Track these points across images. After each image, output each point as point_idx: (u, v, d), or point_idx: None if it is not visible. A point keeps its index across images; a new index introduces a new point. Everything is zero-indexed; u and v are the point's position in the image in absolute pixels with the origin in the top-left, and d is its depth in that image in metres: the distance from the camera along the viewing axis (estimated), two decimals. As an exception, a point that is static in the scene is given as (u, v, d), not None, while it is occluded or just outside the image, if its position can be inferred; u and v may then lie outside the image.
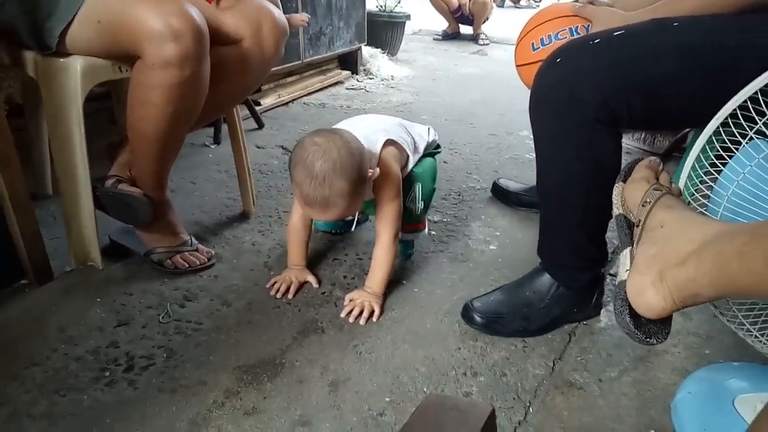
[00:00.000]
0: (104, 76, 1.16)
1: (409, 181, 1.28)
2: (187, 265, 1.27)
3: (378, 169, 1.13)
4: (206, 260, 1.30)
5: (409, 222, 1.31)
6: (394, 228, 1.19)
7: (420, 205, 1.31)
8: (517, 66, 1.32)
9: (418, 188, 1.30)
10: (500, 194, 1.72)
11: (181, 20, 1.00)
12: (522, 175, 1.91)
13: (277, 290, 1.22)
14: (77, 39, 1.08)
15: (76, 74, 1.12)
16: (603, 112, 0.94)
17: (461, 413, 0.36)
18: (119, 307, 1.16)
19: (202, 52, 1.06)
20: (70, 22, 1.06)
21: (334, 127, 1.19)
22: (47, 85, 1.16)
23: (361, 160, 1.06)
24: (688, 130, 1.81)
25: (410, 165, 1.28)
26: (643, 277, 0.68)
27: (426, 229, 1.39)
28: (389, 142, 1.21)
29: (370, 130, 1.20)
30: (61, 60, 1.12)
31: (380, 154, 1.17)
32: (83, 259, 1.27)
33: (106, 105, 1.93)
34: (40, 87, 1.18)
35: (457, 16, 4.90)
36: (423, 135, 1.36)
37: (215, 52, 1.12)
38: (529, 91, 1.06)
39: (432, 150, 1.41)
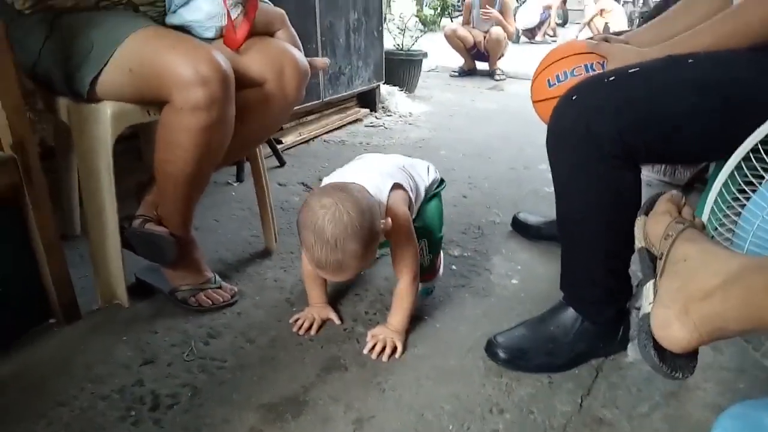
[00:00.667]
0: (134, 120, 1.20)
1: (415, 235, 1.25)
2: (210, 303, 1.28)
3: (389, 220, 1.09)
4: (229, 297, 1.31)
5: (422, 273, 1.28)
6: (413, 269, 1.18)
7: (429, 257, 1.30)
8: (534, 102, 1.34)
9: (425, 244, 1.28)
10: (520, 228, 1.72)
11: (209, 67, 1.04)
12: (542, 208, 1.91)
13: (300, 327, 1.23)
14: (108, 86, 1.13)
15: (106, 119, 1.16)
16: (619, 148, 0.94)
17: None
18: (145, 345, 1.17)
19: (228, 96, 1.09)
20: (102, 71, 1.11)
21: (338, 179, 1.15)
22: (79, 130, 1.21)
23: (372, 217, 1.02)
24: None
25: (414, 210, 1.25)
26: (668, 310, 0.68)
27: (440, 272, 1.37)
28: (395, 186, 1.18)
29: (375, 176, 1.17)
30: (93, 105, 1.17)
31: (388, 200, 1.14)
32: (110, 298, 1.29)
33: (133, 144, 1.99)
34: (72, 131, 1.23)
35: (473, 52, 4.98)
36: (423, 177, 1.31)
37: (240, 95, 1.16)
38: (545, 126, 1.07)
39: (435, 190, 1.36)
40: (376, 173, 1.19)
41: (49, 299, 1.20)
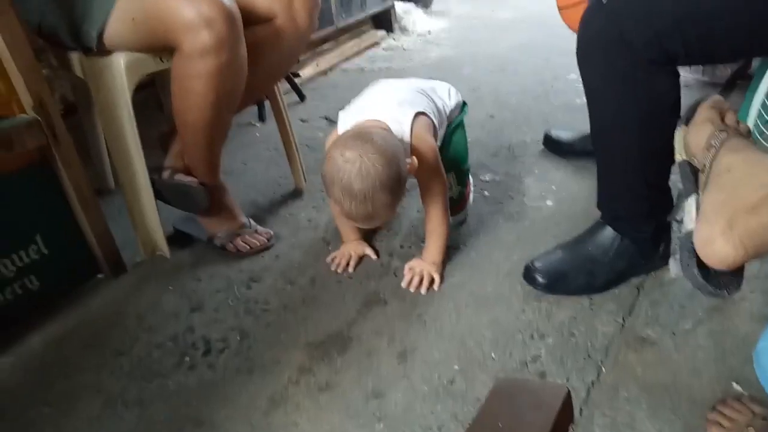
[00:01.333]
0: (148, 69, 1.18)
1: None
2: (248, 247, 1.30)
3: (414, 159, 1.06)
4: (266, 241, 1.33)
5: (452, 206, 1.26)
6: (443, 201, 1.16)
7: (458, 189, 1.28)
8: (560, 9, 1.26)
9: (452, 177, 1.25)
10: (553, 145, 1.67)
11: (212, 7, 1.00)
12: (574, 122, 1.83)
13: (338, 264, 1.24)
14: (115, 37, 1.10)
15: (120, 70, 1.14)
16: (656, 52, 0.88)
17: (535, 397, 0.36)
18: (191, 293, 1.21)
19: (237, 36, 1.05)
20: (106, 22, 1.07)
21: (356, 114, 1.13)
22: (95, 84, 1.19)
23: (398, 164, 0.99)
24: (752, 57, 1.68)
25: (439, 136, 1.20)
26: (712, 226, 0.65)
27: (471, 200, 1.35)
28: (417, 115, 1.13)
29: (394, 108, 1.12)
30: (105, 58, 1.14)
31: (411, 133, 1.10)
32: (152, 249, 1.32)
33: (152, 93, 1.97)
34: (89, 85, 1.22)
35: (491, -44, 4.67)
36: (445, 99, 1.25)
37: (249, 33, 1.12)
38: (573, 33, 1.01)
39: (458, 116, 1.30)
40: (394, 103, 1.14)
41: (94, 255, 1.24)
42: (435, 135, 1.18)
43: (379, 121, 1.10)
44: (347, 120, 1.14)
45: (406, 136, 1.10)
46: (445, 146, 1.26)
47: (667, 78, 0.94)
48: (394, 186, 0.99)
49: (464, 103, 1.33)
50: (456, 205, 1.31)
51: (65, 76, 1.64)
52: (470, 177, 1.39)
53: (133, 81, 1.16)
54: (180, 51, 1.04)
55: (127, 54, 1.14)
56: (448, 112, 1.25)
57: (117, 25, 1.08)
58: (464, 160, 1.30)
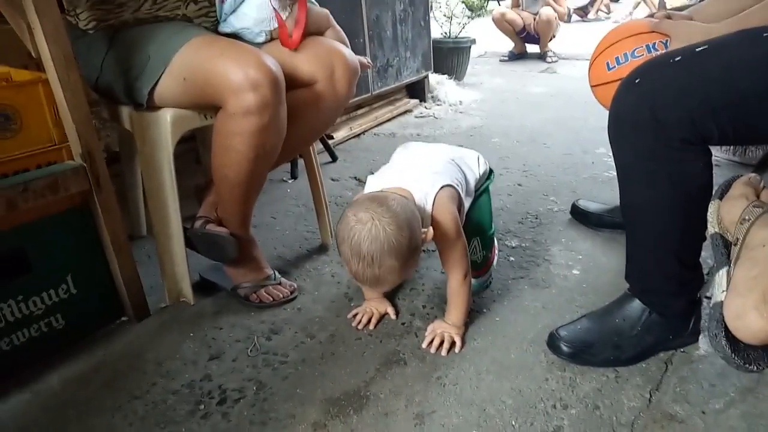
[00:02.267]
0: (191, 125, 1.24)
1: (466, 235, 1.21)
2: (271, 299, 1.31)
3: (431, 229, 1.06)
4: (289, 293, 1.34)
5: (476, 269, 1.28)
6: (464, 267, 1.15)
7: (482, 253, 1.28)
8: (593, 87, 1.29)
9: (477, 242, 1.26)
10: (580, 216, 1.67)
11: (259, 71, 1.06)
12: (602, 194, 1.85)
13: (359, 321, 1.24)
14: (165, 95, 1.17)
15: (166, 125, 1.20)
16: (689, 132, 0.89)
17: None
18: (210, 341, 1.21)
19: (279, 99, 1.11)
20: (158, 81, 1.15)
21: (384, 180, 1.15)
22: (141, 136, 1.26)
23: (411, 232, 0.99)
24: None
25: (465, 208, 1.21)
26: (744, 299, 0.64)
27: (495, 262, 1.35)
28: (443, 188, 1.13)
29: (421, 178, 1.13)
30: (153, 113, 1.21)
31: (434, 204, 1.11)
32: (176, 296, 1.35)
33: (191, 147, 2.06)
34: (135, 137, 1.28)
35: (523, 35, 4.86)
36: (473, 168, 1.27)
37: (291, 96, 1.18)
38: (603, 108, 1.03)
39: (484, 183, 1.32)
40: (423, 173, 1.15)
41: (120, 298, 1.27)
42: (460, 205, 1.18)
43: (404, 189, 1.11)
44: (374, 184, 1.17)
45: (428, 207, 1.11)
46: (471, 210, 1.27)
47: (699, 157, 0.94)
48: (404, 252, 0.98)
49: (491, 171, 1.36)
50: (479, 268, 1.31)
51: (113, 128, 1.74)
52: (495, 242, 1.39)
53: (177, 135, 1.22)
54: (225, 109, 1.10)
55: (173, 110, 1.21)
56: (475, 180, 1.27)
57: (168, 83, 1.15)
58: (489, 226, 1.31)
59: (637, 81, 0.94)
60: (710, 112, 0.87)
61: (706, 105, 0.87)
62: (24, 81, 1.09)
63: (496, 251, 1.40)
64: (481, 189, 1.31)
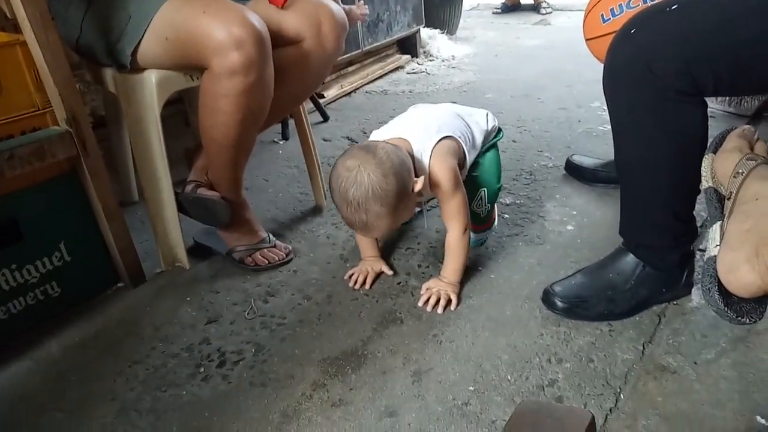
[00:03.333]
0: (178, 86, 1.21)
1: (472, 185, 1.24)
2: (266, 262, 1.31)
3: (422, 179, 1.08)
4: (284, 256, 1.34)
5: (478, 223, 1.29)
6: (463, 220, 1.16)
7: (487, 207, 1.28)
8: (587, 40, 1.26)
9: (484, 193, 1.26)
10: (574, 171, 1.66)
11: (242, 28, 1.02)
12: (596, 149, 1.83)
13: (355, 281, 1.24)
14: (148, 56, 1.13)
15: (151, 87, 1.17)
16: (685, 83, 0.88)
17: (558, 421, 0.35)
18: (208, 305, 1.21)
19: (265, 57, 1.08)
20: (140, 42, 1.11)
21: (386, 133, 1.16)
22: (126, 99, 1.23)
23: (398, 178, 1.02)
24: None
25: (468, 162, 1.21)
26: (736, 253, 0.64)
27: (495, 222, 1.35)
28: (443, 139, 1.14)
29: (422, 131, 1.15)
30: (137, 75, 1.18)
31: (432, 151, 1.12)
32: (171, 261, 1.34)
33: (179, 109, 2.02)
34: (120, 100, 1.25)
35: (516, -14, 4.72)
36: (481, 124, 1.28)
37: (277, 54, 1.14)
38: (598, 62, 1.01)
39: (492, 139, 1.33)
40: (424, 125, 1.17)
41: (115, 264, 1.26)
42: (462, 157, 1.19)
43: (403, 139, 1.13)
44: (377, 135, 1.19)
45: (426, 157, 1.12)
46: (478, 163, 1.28)
47: (695, 109, 0.93)
48: (390, 199, 1.02)
49: (499, 129, 1.36)
50: (482, 223, 1.31)
51: (97, 91, 1.70)
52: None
53: (163, 97, 1.19)
54: (210, 70, 1.07)
55: (158, 71, 1.17)
56: (483, 134, 1.28)
57: (150, 44, 1.11)
58: (497, 179, 1.31)
59: (632, 31, 0.91)
60: (707, 61, 0.85)
61: (702, 53, 0.85)
62: (1, 44, 1.05)
63: (496, 210, 1.39)
64: (488, 143, 1.32)
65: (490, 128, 1.31)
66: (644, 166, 1.00)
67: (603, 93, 1.00)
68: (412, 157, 1.11)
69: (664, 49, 0.88)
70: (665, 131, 0.94)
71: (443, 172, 1.12)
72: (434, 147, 1.13)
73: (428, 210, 1.25)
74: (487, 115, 1.32)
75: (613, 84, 0.98)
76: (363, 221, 1.03)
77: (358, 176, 1.01)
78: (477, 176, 1.25)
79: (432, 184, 1.13)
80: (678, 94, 0.89)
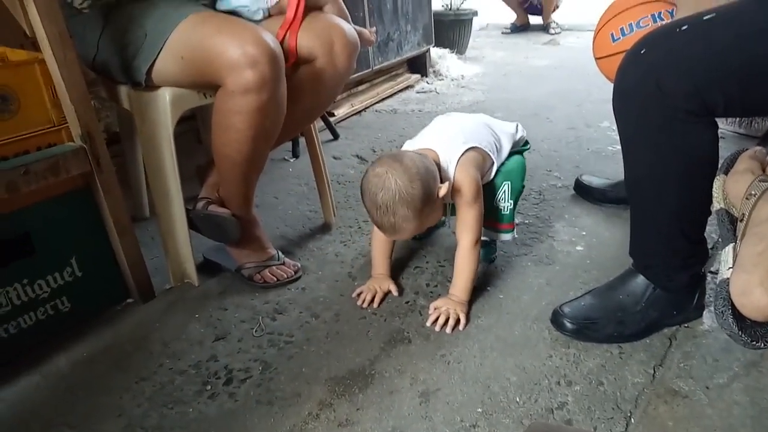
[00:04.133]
0: (191, 104, 1.23)
1: (497, 179, 1.27)
2: (275, 279, 1.32)
3: (446, 185, 1.13)
4: (293, 273, 1.34)
5: (500, 221, 1.30)
6: (475, 233, 1.18)
7: (509, 204, 1.29)
8: (597, 59, 1.27)
9: (508, 187, 1.28)
10: (584, 191, 1.66)
11: (257, 48, 1.04)
12: (606, 169, 1.83)
13: (363, 300, 1.24)
14: (163, 74, 1.15)
15: (165, 104, 1.19)
16: (695, 103, 0.88)
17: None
18: (216, 322, 1.22)
19: (278, 76, 1.09)
20: (156, 60, 1.13)
21: (416, 143, 1.23)
22: (140, 116, 1.25)
23: (423, 184, 1.08)
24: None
25: (494, 169, 1.26)
26: (750, 276, 0.64)
27: (514, 232, 1.35)
28: (469, 150, 1.20)
29: (450, 139, 1.21)
30: (151, 93, 1.20)
31: (458, 161, 1.17)
32: (181, 277, 1.35)
33: (191, 126, 2.05)
34: (134, 117, 1.27)
35: (526, 6, 4.76)
36: (510, 132, 1.33)
37: (290, 73, 1.16)
38: (607, 80, 1.01)
39: (520, 147, 1.38)
40: (452, 137, 1.22)
41: (125, 280, 1.27)
42: (486, 169, 1.24)
43: (431, 149, 1.19)
44: (408, 146, 1.25)
45: (452, 167, 1.18)
46: (503, 163, 1.31)
47: (705, 129, 0.93)
48: (414, 203, 1.07)
49: (527, 141, 1.41)
50: (505, 221, 1.31)
51: (112, 107, 1.72)
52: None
53: (177, 115, 1.21)
54: (224, 88, 1.08)
55: (172, 89, 1.19)
56: (512, 142, 1.33)
57: (166, 62, 1.13)
58: (521, 177, 1.31)
59: (642, 51, 0.92)
60: (717, 82, 0.85)
61: (713, 75, 0.85)
62: (20, 61, 1.07)
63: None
64: (516, 149, 1.36)
65: (518, 137, 1.36)
66: (653, 186, 1.00)
67: (612, 113, 1.01)
68: (438, 166, 1.17)
69: (674, 69, 0.88)
70: (674, 151, 0.93)
71: (466, 183, 1.17)
72: (460, 157, 1.18)
73: (452, 216, 1.28)
74: (517, 125, 1.37)
75: (622, 104, 0.98)
76: (391, 223, 1.09)
77: (386, 181, 1.07)
78: (501, 171, 1.28)
79: (454, 191, 1.18)
80: (687, 115, 0.89)
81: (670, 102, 0.89)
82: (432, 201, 1.11)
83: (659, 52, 0.90)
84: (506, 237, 1.33)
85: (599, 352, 1.06)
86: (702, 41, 0.87)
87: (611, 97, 0.99)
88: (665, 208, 1.01)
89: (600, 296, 1.12)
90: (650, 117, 0.93)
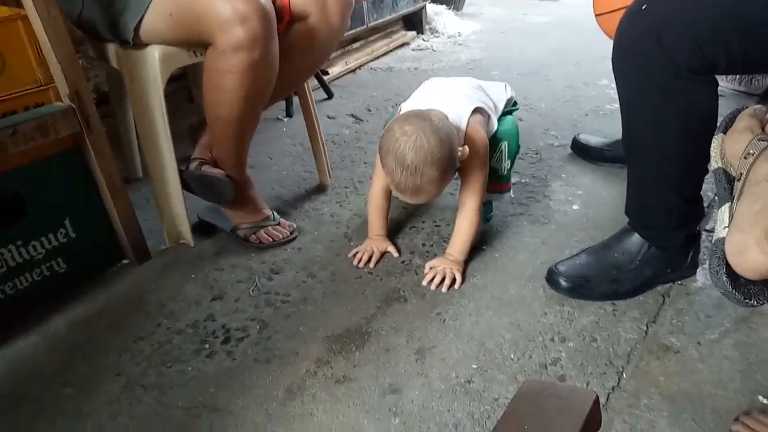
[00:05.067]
0: (181, 62, 1.20)
1: (494, 140, 1.26)
2: (271, 240, 1.31)
3: (466, 147, 1.12)
4: (289, 234, 1.34)
5: (498, 181, 1.29)
6: (479, 196, 1.18)
7: (507, 164, 1.28)
8: (597, 15, 1.24)
9: (505, 146, 1.27)
10: (581, 150, 1.64)
11: (247, 4, 1.01)
12: (603, 128, 1.82)
13: (360, 260, 1.24)
14: (151, 32, 1.12)
15: (155, 63, 1.16)
16: (696, 60, 0.86)
17: (563, 401, 0.35)
18: (212, 282, 1.22)
19: (270, 33, 1.06)
20: (143, 17, 1.09)
21: (417, 106, 1.18)
22: (129, 75, 1.22)
23: (451, 145, 1.06)
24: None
25: (493, 129, 1.25)
26: (746, 235, 0.64)
27: (510, 191, 1.35)
28: (475, 111, 1.18)
29: (454, 101, 1.18)
30: (140, 51, 1.17)
31: (467, 126, 1.16)
32: (176, 238, 1.34)
33: (183, 85, 2.01)
34: (124, 76, 1.24)
35: (524, -40, 4.63)
36: (501, 95, 1.31)
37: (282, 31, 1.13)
38: (607, 38, 0.99)
39: (510, 107, 1.36)
40: (455, 97, 1.20)
41: (120, 241, 1.27)
42: (488, 129, 1.23)
43: (438, 110, 1.14)
44: (410, 107, 1.20)
45: (463, 127, 1.15)
46: (499, 122, 1.29)
47: (706, 87, 0.92)
48: (443, 165, 1.04)
49: (515, 101, 1.39)
50: (501, 181, 1.30)
51: (100, 67, 1.68)
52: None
53: (167, 73, 1.18)
54: (214, 46, 1.06)
55: (161, 47, 1.16)
56: (503, 104, 1.31)
57: (153, 19, 1.10)
58: (515, 139, 1.30)
59: (643, 7, 0.90)
60: (719, 38, 0.83)
61: (715, 31, 0.83)
62: (2, 18, 1.04)
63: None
64: (506, 110, 1.34)
65: (508, 97, 1.34)
66: (652, 145, 0.99)
67: (611, 70, 0.99)
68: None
69: (675, 25, 0.86)
70: (674, 109, 0.92)
71: (479, 142, 1.16)
72: (469, 118, 1.16)
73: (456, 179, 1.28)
74: (505, 86, 1.35)
75: (622, 60, 0.96)
76: (416, 185, 1.05)
77: (417, 141, 1.02)
78: (498, 132, 1.27)
79: (465, 157, 1.15)
80: (688, 72, 0.88)
81: (672, 59, 0.87)
82: (455, 164, 1.09)
83: (660, 7, 0.88)
84: (502, 197, 1.33)
85: (593, 309, 1.07)
86: None
87: (610, 54, 0.97)
88: (663, 167, 1.00)
89: (595, 254, 1.13)
90: (651, 74, 0.92)
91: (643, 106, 0.96)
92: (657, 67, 0.90)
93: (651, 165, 1.01)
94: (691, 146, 0.95)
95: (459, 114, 1.16)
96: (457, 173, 1.17)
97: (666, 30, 0.86)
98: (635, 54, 0.92)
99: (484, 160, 1.17)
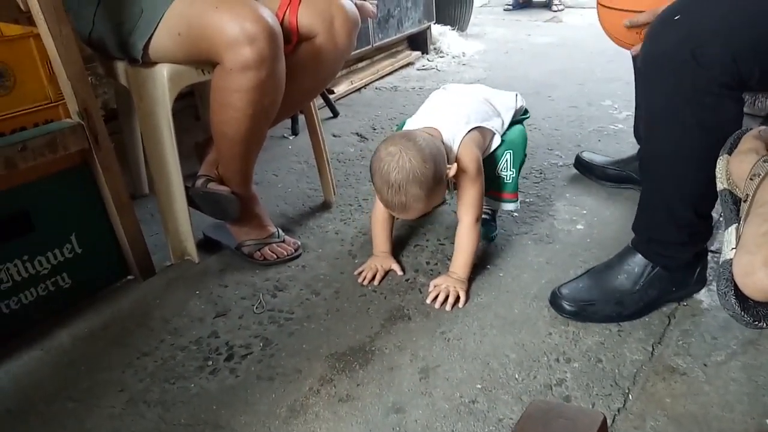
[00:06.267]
0: (189, 80, 1.22)
1: (499, 149, 1.27)
2: (275, 257, 1.32)
3: (455, 166, 1.14)
4: (293, 251, 1.34)
5: (503, 190, 1.30)
6: (476, 211, 1.19)
7: (512, 172, 1.29)
8: (599, 5, 1.20)
9: (510, 156, 1.27)
10: (584, 169, 1.65)
11: (255, 24, 1.02)
12: (607, 148, 1.82)
13: (364, 278, 1.24)
14: (160, 50, 1.14)
15: (163, 81, 1.17)
16: (730, 75, 0.84)
17: (570, 422, 0.35)
18: (216, 299, 1.22)
19: (277, 53, 1.08)
20: (152, 36, 1.11)
21: (420, 121, 1.23)
22: (138, 92, 1.23)
23: (434, 164, 1.09)
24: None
25: (494, 144, 1.27)
26: (753, 257, 0.64)
27: (518, 203, 1.34)
28: (472, 130, 1.20)
29: (453, 121, 1.20)
30: (149, 69, 1.18)
31: (462, 141, 1.18)
32: (181, 254, 1.35)
33: (190, 103, 2.03)
34: (132, 94, 1.26)
35: (528, -18, 4.69)
36: (510, 104, 1.33)
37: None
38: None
39: (520, 117, 1.37)
40: (455, 116, 1.22)
41: (125, 257, 1.27)
42: (486, 146, 1.25)
43: (434, 128, 1.19)
44: (411, 124, 1.26)
45: (455, 146, 1.18)
46: (507, 131, 1.31)
47: (734, 104, 0.89)
48: (428, 183, 1.08)
49: (526, 110, 1.40)
50: (509, 191, 1.31)
51: (109, 84, 1.71)
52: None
53: (175, 91, 1.20)
54: (222, 65, 1.07)
55: (170, 65, 1.17)
56: (512, 114, 1.33)
57: (162, 38, 1.12)
58: (522, 148, 1.30)
59: (676, 18, 0.87)
60: (757, 53, 0.81)
61: (753, 44, 0.81)
62: (15, 36, 1.06)
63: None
64: (518, 119, 1.36)
65: (518, 106, 1.35)
66: (674, 159, 0.96)
67: (638, 80, 0.95)
68: (443, 145, 1.17)
69: (710, 39, 0.83)
70: (703, 125, 0.90)
71: (468, 161, 1.18)
72: (463, 138, 1.19)
73: (454, 191, 1.27)
74: (516, 95, 1.36)
75: (650, 72, 0.94)
76: (402, 203, 1.09)
77: (400, 161, 1.07)
78: (504, 141, 1.28)
79: (458, 170, 1.17)
80: (721, 87, 0.86)
81: (705, 73, 0.85)
82: (442, 181, 1.12)
83: (696, 19, 0.85)
84: (509, 207, 1.33)
85: (598, 330, 1.07)
86: (742, 7, 0.82)
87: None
88: (682, 181, 0.98)
89: (598, 277, 1.12)
90: (680, 88, 0.89)
91: (669, 119, 0.94)
92: (689, 82, 0.87)
93: (669, 178, 0.99)
94: (712, 164, 0.94)
95: (453, 134, 1.19)
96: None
97: (700, 43, 0.84)
98: (665, 66, 0.90)
99: (476, 173, 1.18)
